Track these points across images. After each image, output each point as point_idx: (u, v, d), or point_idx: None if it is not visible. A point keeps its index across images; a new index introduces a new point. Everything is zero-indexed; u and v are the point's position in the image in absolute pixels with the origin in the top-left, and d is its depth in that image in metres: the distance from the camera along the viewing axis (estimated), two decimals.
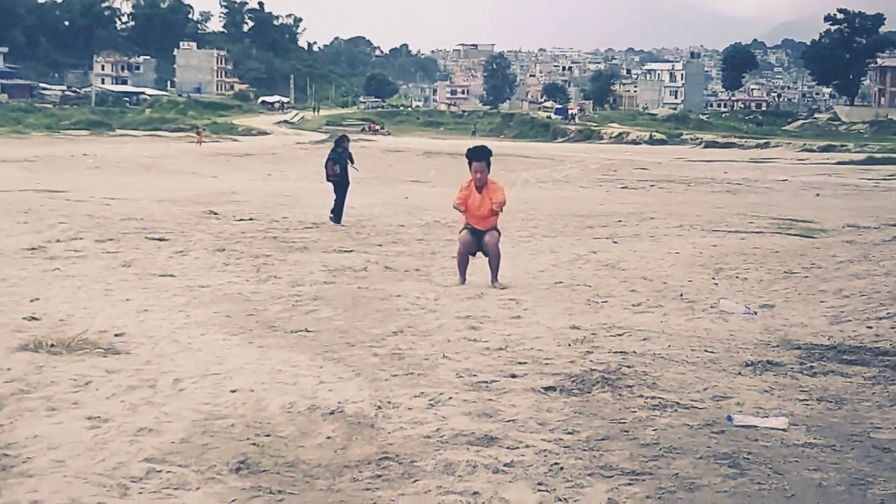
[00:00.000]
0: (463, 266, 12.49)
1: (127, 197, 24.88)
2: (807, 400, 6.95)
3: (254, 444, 5.77)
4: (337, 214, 20.02)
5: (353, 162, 21.09)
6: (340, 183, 20.39)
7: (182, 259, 13.99)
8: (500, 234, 12.61)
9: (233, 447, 5.69)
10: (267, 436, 5.94)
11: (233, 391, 6.89)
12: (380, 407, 6.58)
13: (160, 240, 15.88)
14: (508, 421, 6.30)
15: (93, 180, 33.22)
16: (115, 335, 8.69)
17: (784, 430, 6.15)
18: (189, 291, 11.25)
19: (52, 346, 7.95)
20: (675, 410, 6.56)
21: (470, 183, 12.40)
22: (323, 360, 7.95)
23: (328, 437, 5.95)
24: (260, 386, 7.03)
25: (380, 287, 11.92)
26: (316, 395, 6.83)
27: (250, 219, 19.99)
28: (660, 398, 6.83)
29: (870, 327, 9.60)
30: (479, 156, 12.33)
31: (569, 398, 6.88)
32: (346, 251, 15.44)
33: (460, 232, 12.58)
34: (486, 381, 7.29)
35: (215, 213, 20.81)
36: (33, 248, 14.23)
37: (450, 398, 6.80)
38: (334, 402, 6.65)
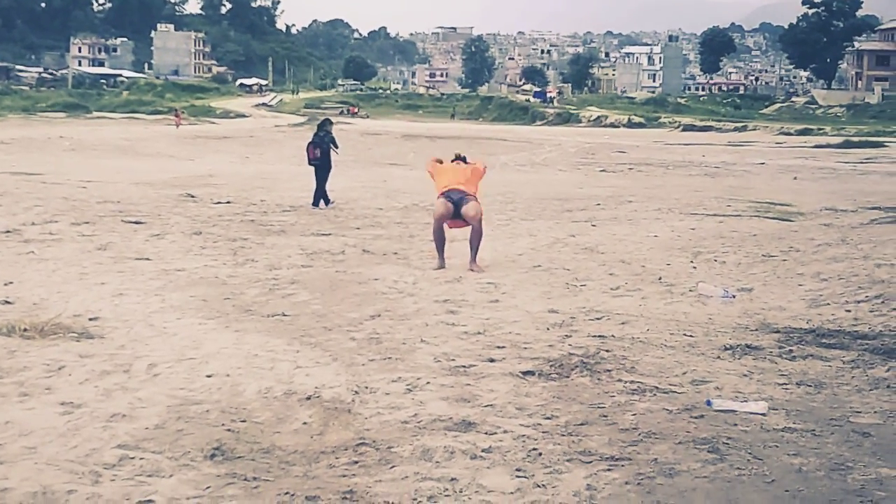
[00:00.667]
0: (440, 245, 12.38)
1: (103, 179, 24.73)
2: (786, 384, 6.92)
3: (229, 429, 5.70)
4: (316, 198, 19.94)
5: (336, 146, 20.92)
6: (321, 167, 20.29)
7: (158, 242, 13.87)
8: (479, 204, 12.49)
9: (207, 433, 5.62)
10: (242, 421, 5.87)
11: (208, 376, 6.82)
12: (357, 392, 6.51)
13: (136, 223, 15.76)
14: (486, 406, 6.25)
15: (69, 163, 33.01)
16: (90, 319, 8.60)
17: (763, 414, 6.12)
18: (165, 275, 11.14)
19: (25, 330, 7.85)
20: (654, 395, 6.52)
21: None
22: (300, 344, 7.88)
23: (304, 423, 5.89)
24: (236, 371, 6.96)
25: (357, 270, 11.84)
26: (292, 380, 6.76)
27: (227, 202, 19.86)
28: (639, 382, 6.79)
29: (848, 311, 9.59)
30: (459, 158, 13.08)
31: (547, 383, 6.84)
32: (323, 234, 15.35)
33: (437, 199, 12.49)
34: (464, 366, 7.24)
35: (192, 196, 20.67)
36: (8, 231, 14.09)
37: (427, 383, 6.74)
38: (311, 388, 6.58)
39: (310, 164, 20.54)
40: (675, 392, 6.60)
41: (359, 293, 10.32)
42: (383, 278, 11.27)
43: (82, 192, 20.85)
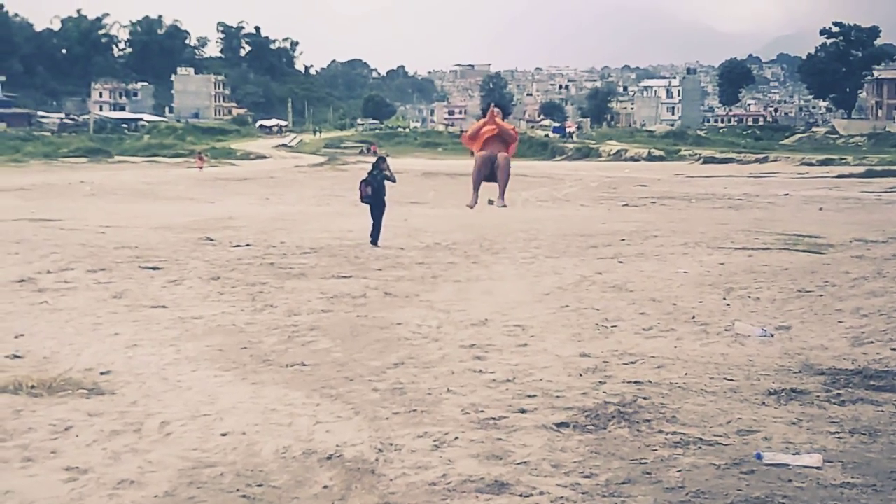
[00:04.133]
0: (477, 186, 11.88)
1: (122, 224, 24.46)
2: (838, 433, 6.48)
3: (244, 496, 5.32)
4: (374, 236, 20.00)
5: (392, 179, 20.74)
6: (374, 205, 20.29)
7: (175, 289, 13.51)
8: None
9: (221, 500, 5.24)
10: (259, 486, 5.48)
11: (223, 434, 6.44)
12: (381, 450, 6.11)
13: (154, 269, 15.42)
14: (520, 464, 5.84)
15: (89, 208, 32.81)
16: (101, 373, 8.24)
17: (818, 468, 5.69)
18: (181, 323, 10.78)
19: (33, 387, 7.49)
20: (699, 448, 6.09)
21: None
22: (320, 396, 7.49)
23: (325, 487, 5.49)
24: (252, 428, 6.57)
25: (379, 315, 11.45)
26: (312, 438, 6.37)
27: (247, 245, 19.54)
28: (681, 434, 6.37)
29: (894, 349, 9.14)
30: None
31: (583, 435, 6.42)
32: (344, 277, 14.96)
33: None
34: (493, 418, 6.82)
35: (211, 240, 20.37)
36: (22, 280, 13.76)
37: (456, 438, 6.33)
38: (332, 446, 6.18)
39: (362, 201, 20.58)
40: (720, 444, 6.18)
41: (381, 339, 9.93)
42: (406, 322, 10.88)
43: (100, 237, 20.58)
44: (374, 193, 20.28)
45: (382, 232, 20.26)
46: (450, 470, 5.71)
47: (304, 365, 8.67)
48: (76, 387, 7.61)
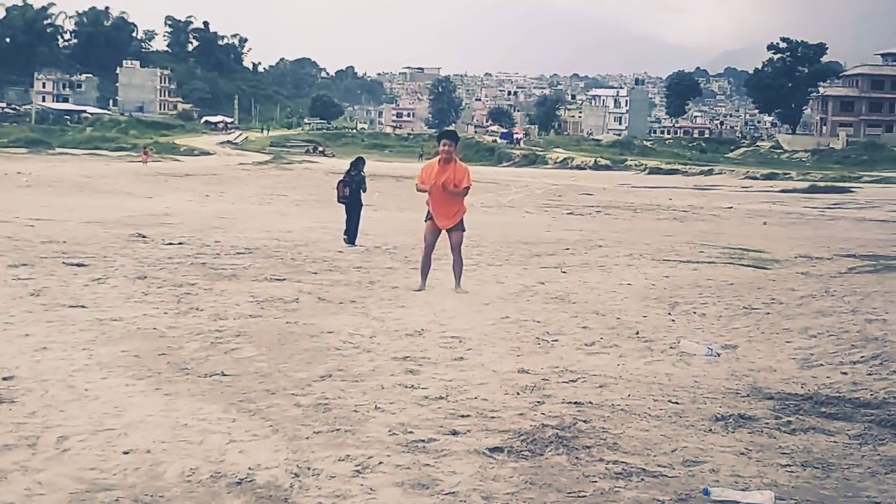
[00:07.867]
0: (425, 271, 13.80)
1: (54, 218, 23.75)
2: (790, 465, 6.05)
3: None
4: (351, 236, 20.14)
5: (364, 188, 20.68)
6: (351, 205, 20.42)
7: (98, 287, 12.84)
8: (464, 230, 13.99)
9: None
10: None
11: (126, 452, 5.87)
12: (297, 475, 5.57)
13: (78, 265, 14.74)
14: (448, 494, 5.34)
15: (22, 200, 31.97)
16: (3, 379, 7.62)
17: None
18: (98, 325, 10.14)
19: None
20: (642, 480, 5.63)
21: (435, 162, 13.86)
22: (237, 411, 6.93)
23: None
24: (159, 446, 6.01)
25: (310, 322, 10.88)
26: (223, 459, 5.83)
27: (180, 243, 18.89)
28: (623, 463, 5.91)
29: (845, 373, 8.75)
30: (448, 135, 14.33)
31: (518, 462, 5.93)
32: (277, 279, 14.37)
33: (426, 221, 13.84)
34: (422, 440, 6.31)
35: (143, 236, 19.71)
36: None
37: (380, 463, 5.82)
38: (244, 469, 5.64)
39: (339, 201, 20.83)
40: (665, 476, 5.72)
41: (309, 348, 9.38)
42: (338, 331, 10.33)
43: (28, 230, 19.86)
44: (351, 194, 20.16)
45: (338, 230, 20.21)
46: (370, 500, 5.20)
47: (224, 375, 8.09)
48: None
